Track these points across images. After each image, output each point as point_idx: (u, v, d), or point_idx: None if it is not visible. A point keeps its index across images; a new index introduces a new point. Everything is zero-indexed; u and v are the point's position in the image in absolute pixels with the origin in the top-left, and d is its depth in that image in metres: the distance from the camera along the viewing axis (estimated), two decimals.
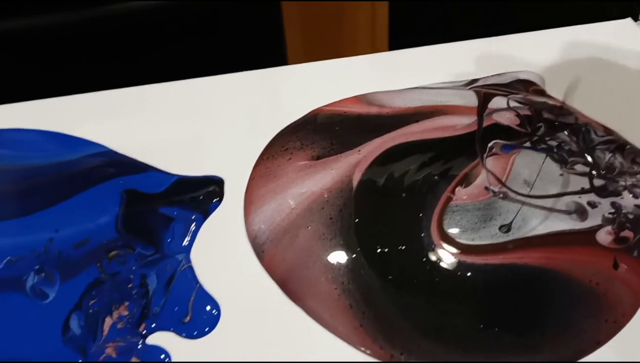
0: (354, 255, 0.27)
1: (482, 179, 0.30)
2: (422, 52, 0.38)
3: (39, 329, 0.25)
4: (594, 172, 0.30)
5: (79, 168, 0.31)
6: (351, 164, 0.30)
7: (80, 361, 0.24)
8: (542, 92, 0.35)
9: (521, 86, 0.35)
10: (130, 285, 0.26)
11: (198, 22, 0.53)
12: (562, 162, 0.30)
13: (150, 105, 0.35)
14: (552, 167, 0.30)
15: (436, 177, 0.30)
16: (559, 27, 0.39)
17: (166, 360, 0.24)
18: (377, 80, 0.36)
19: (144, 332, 0.25)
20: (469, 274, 0.26)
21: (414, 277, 0.26)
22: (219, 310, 0.26)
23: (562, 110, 0.33)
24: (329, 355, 0.25)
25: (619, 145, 0.31)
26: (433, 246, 0.27)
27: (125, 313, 0.26)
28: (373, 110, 0.34)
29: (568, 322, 0.25)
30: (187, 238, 0.28)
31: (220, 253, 0.28)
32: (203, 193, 0.30)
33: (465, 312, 0.26)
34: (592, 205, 0.29)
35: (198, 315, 0.26)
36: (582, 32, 0.39)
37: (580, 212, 0.28)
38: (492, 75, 0.36)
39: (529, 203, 0.29)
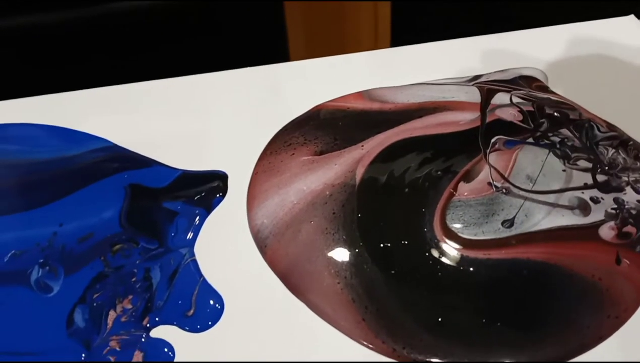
0: (357, 250, 0.27)
1: (485, 174, 0.30)
2: (425, 49, 0.38)
3: (44, 322, 0.25)
4: (597, 168, 0.30)
5: (83, 163, 0.31)
6: (354, 160, 0.31)
7: (81, 361, 0.24)
8: (545, 89, 0.35)
9: (524, 82, 0.35)
10: (134, 279, 0.27)
11: (201, 19, 0.53)
12: (565, 158, 0.30)
13: (155, 101, 0.35)
14: (555, 162, 0.30)
15: (439, 173, 0.30)
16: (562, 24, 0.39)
17: (170, 354, 0.25)
18: (380, 77, 0.36)
19: (148, 325, 0.25)
20: (471, 269, 0.26)
21: (417, 272, 0.26)
22: (222, 304, 0.26)
23: (565, 105, 0.33)
24: (331, 350, 0.25)
25: (622, 141, 0.31)
26: (436, 241, 0.27)
27: (129, 306, 0.26)
28: (376, 106, 0.34)
29: (570, 317, 0.25)
30: (191, 233, 0.28)
31: (223, 248, 0.28)
32: (207, 188, 0.30)
33: (467, 307, 0.26)
34: (595, 200, 0.29)
35: (201, 308, 0.26)
36: (585, 29, 0.39)
37: (583, 208, 0.28)
38: (495, 72, 0.36)
39: (531, 199, 0.29)
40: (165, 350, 0.25)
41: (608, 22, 0.40)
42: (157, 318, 0.25)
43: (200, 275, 0.27)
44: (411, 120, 0.32)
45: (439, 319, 0.25)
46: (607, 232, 0.28)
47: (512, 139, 0.31)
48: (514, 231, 0.27)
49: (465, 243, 0.27)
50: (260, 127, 0.33)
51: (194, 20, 0.53)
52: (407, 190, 0.29)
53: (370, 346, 0.25)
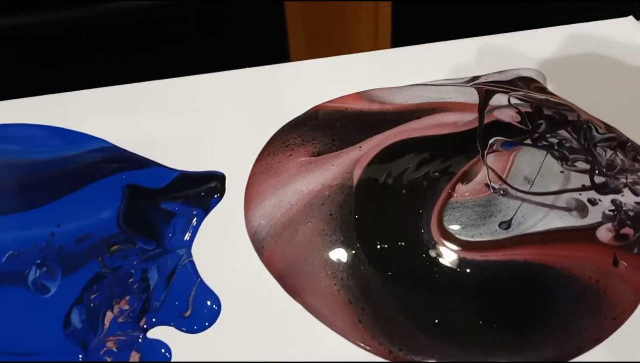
0: (354, 252, 0.27)
1: (482, 175, 0.30)
2: (424, 50, 0.38)
3: (41, 323, 0.25)
4: (594, 170, 0.30)
5: (81, 163, 0.31)
6: (352, 161, 0.31)
7: (78, 362, 0.24)
8: (543, 90, 0.35)
9: (522, 83, 0.35)
10: (131, 280, 0.27)
11: (202, 19, 0.53)
12: (563, 159, 0.30)
13: (153, 101, 0.35)
14: (553, 164, 0.30)
15: (436, 174, 0.30)
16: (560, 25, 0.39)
17: (166, 354, 0.25)
18: (379, 77, 0.36)
19: (145, 326, 0.25)
20: (468, 270, 0.26)
21: (414, 274, 0.26)
22: (219, 305, 0.26)
23: (563, 107, 0.33)
24: (327, 351, 0.25)
25: (620, 142, 0.31)
26: (433, 242, 0.27)
27: (126, 307, 0.26)
28: (374, 106, 0.34)
29: (568, 318, 0.25)
30: (188, 234, 0.28)
31: (220, 249, 0.28)
32: (204, 189, 0.30)
33: (464, 308, 0.26)
34: (593, 202, 0.29)
35: (198, 309, 0.26)
36: (584, 30, 0.39)
37: (581, 209, 0.28)
38: (493, 73, 0.36)
39: (529, 200, 0.29)
40: (162, 350, 0.25)
41: (607, 23, 0.39)
42: (154, 319, 0.26)
43: (198, 276, 0.27)
44: (409, 121, 0.32)
45: (436, 321, 0.25)
46: (604, 233, 0.28)
47: (510, 140, 0.31)
48: (511, 233, 0.27)
49: (462, 244, 0.27)
50: (259, 127, 0.33)
51: (194, 21, 0.53)
52: (404, 191, 0.29)
53: (367, 347, 0.25)
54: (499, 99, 0.33)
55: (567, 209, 0.28)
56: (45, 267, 0.27)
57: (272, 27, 0.55)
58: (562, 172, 0.30)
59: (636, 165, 0.30)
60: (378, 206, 0.29)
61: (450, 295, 0.26)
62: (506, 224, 0.28)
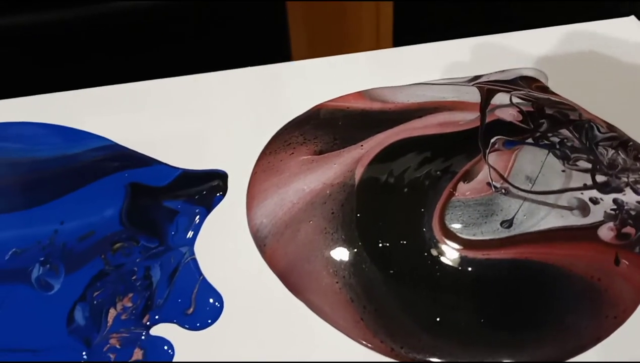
0: (356, 250, 0.27)
1: (484, 174, 0.30)
2: (426, 49, 0.38)
3: (44, 320, 0.26)
4: (596, 169, 0.30)
5: (84, 161, 0.31)
6: (354, 159, 0.31)
7: (80, 361, 0.24)
8: (545, 89, 0.35)
9: (524, 83, 0.35)
10: (134, 277, 0.27)
11: (203, 19, 0.53)
12: (565, 158, 0.30)
13: (155, 100, 0.36)
14: (555, 163, 0.30)
15: (438, 173, 0.30)
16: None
17: (169, 352, 0.25)
18: (380, 76, 0.36)
19: (148, 323, 0.25)
20: (470, 269, 0.26)
21: (415, 272, 0.27)
22: (221, 302, 0.26)
23: (565, 106, 0.33)
24: (329, 349, 0.25)
25: (622, 141, 0.31)
26: (435, 241, 0.27)
27: (129, 304, 0.26)
28: (376, 105, 0.34)
29: (569, 317, 0.25)
30: (191, 232, 0.28)
31: (223, 247, 0.28)
32: (207, 187, 0.30)
33: (466, 306, 0.26)
34: (594, 201, 0.29)
35: (201, 307, 0.26)
36: (586, 30, 0.39)
37: (582, 208, 0.28)
38: (495, 72, 0.36)
39: (531, 199, 0.29)
40: (165, 348, 0.25)
41: (608, 23, 0.40)
42: (157, 317, 0.26)
43: (200, 273, 0.27)
44: (411, 120, 0.33)
45: (438, 319, 0.25)
46: (606, 232, 0.28)
47: (512, 139, 0.31)
48: (512, 231, 0.28)
49: (464, 243, 0.27)
50: (261, 126, 0.33)
51: (196, 20, 0.53)
52: (406, 190, 0.29)
53: (369, 345, 0.25)
54: (500, 98, 0.34)
55: (569, 208, 0.28)
56: (48, 265, 0.27)
57: (274, 28, 0.56)
58: (563, 171, 0.30)
59: (638, 164, 0.31)
60: (380, 205, 0.29)
61: (451, 294, 0.26)
62: (508, 223, 0.28)
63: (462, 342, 0.25)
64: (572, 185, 0.29)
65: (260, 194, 0.30)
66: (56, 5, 0.48)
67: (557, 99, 0.34)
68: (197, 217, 0.29)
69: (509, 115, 0.32)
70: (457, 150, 0.31)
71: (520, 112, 0.33)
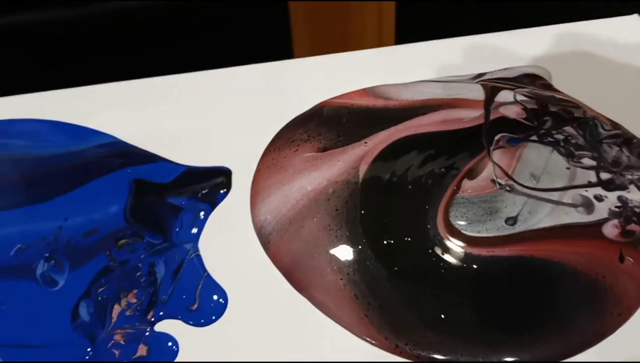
0: (360, 247, 0.27)
1: (488, 171, 0.30)
2: (429, 46, 0.38)
3: (49, 316, 0.26)
4: (600, 166, 0.30)
5: (88, 158, 0.31)
6: (357, 156, 0.31)
7: (84, 361, 0.24)
8: (549, 87, 0.35)
9: (528, 80, 0.35)
10: (138, 274, 0.27)
11: (206, 18, 0.53)
12: (569, 156, 0.30)
13: (159, 97, 0.36)
14: (559, 160, 0.30)
15: (442, 170, 0.30)
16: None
17: (174, 348, 0.25)
18: (384, 74, 0.36)
19: (152, 319, 0.25)
20: (474, 266, 0.26)
21: (420, 269, 0.27)
22: (226, 298, 0.26)
23: (569, 103, 0.33)
24: (333, 345, 0.25)
25: (626, 139, 0.31)
26: (439, 238, 0.27)
27: (134, 300, 0.26)
28: (380, 102, 0.34)
29: (573, 314, 0.25)
30: (195, 228, 0.28)
31: (227, 243, 0.28)
32: (211, 184, 0.30)
33: (470, 303, 0.26)
34: (599, 198, 0.29)
35: (205, 303, 0.26)
36: (590, 28, 0.39)
37: (587, 205, 0.28)
38: (499, 70, 0.36)
39: (535, 196, 0.29)
40: (170, 344, 0.25)
41: (612, 21, 0.40)
42: (161, 313, 0.26)
43: (204, 270, 0.27)
44: (415, 117, 0.33)
45: (442, 316, 0.25)
46: (610, 229, 0.28)
47: (516, 136, 0.31)
48: (517, 229, 0.28)
49: (468, 240, 0.27)
50: (265, 123, 0.33)
51: (197, 20, 0.53)
52: (410, 187, 0.29)
53: (373, 342, 0.25)
54: (504, 96, 0.33)
55: (573, 205, 0.28)
56: (53, 261, 0.27)
57: (276, 27, 0.56)
58: (568, 168, 0.30)
59: None
60: (384, 202, 0.29)
61: (456, 291, 0.26)
62: (512, 220, 0.28)
63: (466, 339, 0.25)
64: (577, 182, 0.29)
65: (264, 191, 0.30)
66: (56, 4, 0.49)
67: (561, 97, 0.34)
68: (202, 213, 0.29)
69: (513, 112, 0.32)
70: (461, 148, 0.31)
71: (525, 109, 0.33)
